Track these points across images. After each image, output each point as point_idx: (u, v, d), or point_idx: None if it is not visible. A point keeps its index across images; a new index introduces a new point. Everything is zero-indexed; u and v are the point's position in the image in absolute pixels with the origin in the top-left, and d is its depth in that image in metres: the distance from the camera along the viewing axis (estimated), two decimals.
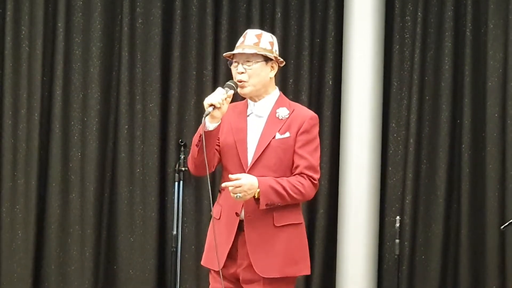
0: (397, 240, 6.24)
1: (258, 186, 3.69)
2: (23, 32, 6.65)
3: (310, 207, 6.78)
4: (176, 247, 6.44)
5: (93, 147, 6.69)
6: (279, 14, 6.79)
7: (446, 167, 6.66)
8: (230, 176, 3.69)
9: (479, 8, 6.63)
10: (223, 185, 3.71)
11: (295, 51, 6.83)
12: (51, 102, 6.69)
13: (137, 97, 6.74)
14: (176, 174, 6.50)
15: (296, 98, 6.75)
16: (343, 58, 6.68)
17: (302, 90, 6.80)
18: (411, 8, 6.76)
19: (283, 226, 3.80)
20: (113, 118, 6.77)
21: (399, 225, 6.23)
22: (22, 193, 6.63)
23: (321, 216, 6.79)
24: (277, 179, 3.76)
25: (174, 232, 6.43)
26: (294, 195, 3.78)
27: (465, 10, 6.65)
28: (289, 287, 3.88)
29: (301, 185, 3.79)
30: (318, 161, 3.88)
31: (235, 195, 3.67)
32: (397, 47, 6.77)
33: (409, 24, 6.77)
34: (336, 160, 6.74)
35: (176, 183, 6.46)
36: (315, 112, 6.66)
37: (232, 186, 3.66)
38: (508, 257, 6.44)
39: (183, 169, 6.54)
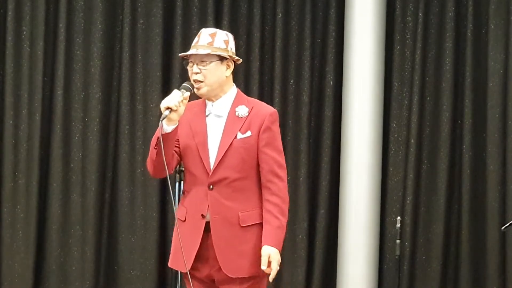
0: (398, 241, 6.23)
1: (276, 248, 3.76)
2: (24, 33, 6.66)
3: (311, 207, 6.79)
4: None
5: (94, 147, 6.70)
6: (280, 15, 6.79)
7: (446, 167, 6.66)
8: (264, 268, 3.71)
9: (480, 9, 6.64)
10: (270, 279, 3.75)
11: (296, 51, 6.83)
12: (52, 102, 6.70)
13: (138, 98, 6.74)
14: (177, 174, 6.48)
15: (297, 98, 6.77)
16: (344, 59, 6.69)
17: (303, 90, 6.80)
18: (412, 8, 6.76)
19: (249, 226, 3.81)
20: (114, 118, 6.78)
21: (400, 225, 6.22)
22: (23, 193, 6.64)
23: (321, 216, 6.80)
24: (273, 219, 3.77)
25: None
26: (286, 219, 3.84)
27: (466, 10, 6.65)
28: (263, 282, 3.90)
29: (283, 202, 3.81)
30: (283, 156, 3.88)
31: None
32: (398, 47, 6.77)
33: (410, 24, 6.77)
34: (337, 160, 6.74)
35: (177, 184, 6.44)
36: (316, 113, 6.81)
37: (275, 271, 3.73)
38: (509, 258, 6.45)
39: (183, 169, 6.53)
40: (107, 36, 6.75)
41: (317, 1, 6.86)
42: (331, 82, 6.81)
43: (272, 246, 3.74)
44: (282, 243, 3.79)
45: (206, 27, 6.68)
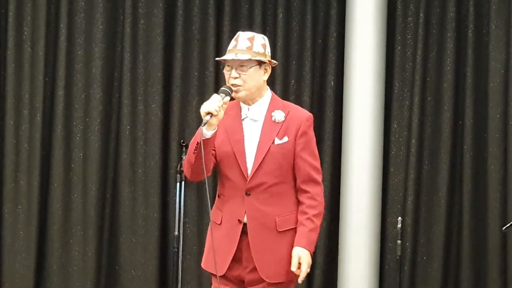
0: (399, 241, 6.23)
1: (307, 249, 3.80)
2: (25, 33, 6.67)
3: None
4: (178, 248, 6.45)
5: (95, 147, 6.70)
6: (281, 15, 6.79)
7: (447, 168, 6.66)
8: (293, 269, 3.75)
9: (481, 9, 6.63)
10: (299, 281, 3.78)
11: (297, 51, 6.83)
12: (53, 102, 6.71)
13: (139, 98, 6.74)
14: (178, 175, 6.50)
15: (298, 99, 6.76)
16: (345, 59, 6.69)
17: (304, 90, 6.81)
18: (413, 8, 6.76)
19: (285, 230, 3.84)
20: (115, 119, 6.78)
21: (401, 226, 6.22)
22: (24, 194, 6.65)
23: (322, 217, 6.78)
24: (307, 221, 3.82)
25: (176, 233, 6.43)
26: (320, 221, 3.91)
27: (467, 11, 6.65)
28: (291, 284, 3.92)
29: (319, 206, 3.87)
30: (319, 160, 3.92)
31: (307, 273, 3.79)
32: (399, 48, 6.77)
33: (411, 24, 6.77)
34: (338, 160, 6.74)
35: (178, 184, 6.46)
36: (317, 113, 6.81)
37: (305, 273, 3.78)
38: (510, 258, 6.44)
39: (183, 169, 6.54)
40: (108, 37, 6.76)
41: (318, 1, 6.86)
42: (332, 83, 6.81)
43: (303, 247, 3.77)
44: (314, 246, 3.84)
45: (207, 28, 6.80)
